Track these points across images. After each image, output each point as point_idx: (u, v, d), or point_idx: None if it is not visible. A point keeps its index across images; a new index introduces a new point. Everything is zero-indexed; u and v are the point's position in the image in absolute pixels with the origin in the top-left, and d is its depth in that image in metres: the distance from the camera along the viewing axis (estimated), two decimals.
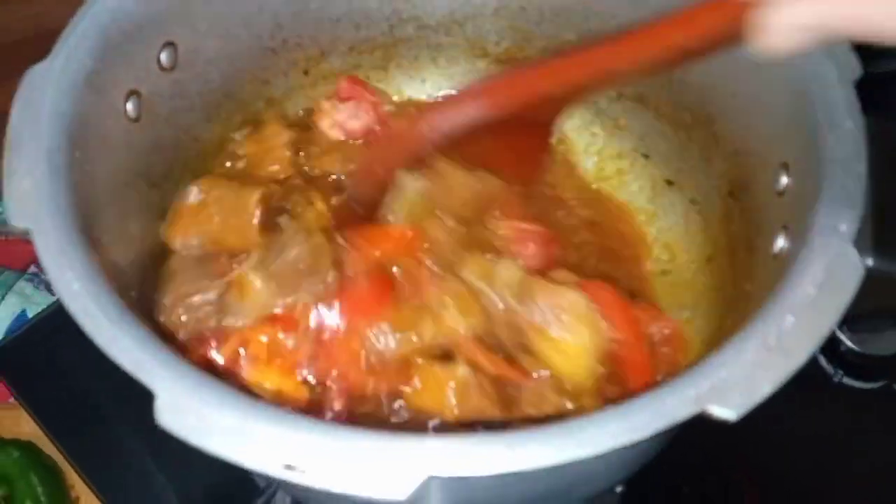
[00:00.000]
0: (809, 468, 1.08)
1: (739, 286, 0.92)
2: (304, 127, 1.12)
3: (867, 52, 1.07)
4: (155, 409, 0.59)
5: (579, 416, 0.60)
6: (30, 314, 1.28)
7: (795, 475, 1.07)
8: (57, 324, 1.18)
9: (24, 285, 1.32)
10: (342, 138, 1.10)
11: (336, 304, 0.83)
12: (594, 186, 1.17)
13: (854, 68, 0.80)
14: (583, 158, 1.18)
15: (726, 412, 0.61)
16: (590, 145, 1.19)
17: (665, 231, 1.11)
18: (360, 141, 1.09)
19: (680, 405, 0.61)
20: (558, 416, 0.83)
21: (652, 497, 1.06)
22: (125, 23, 0.85)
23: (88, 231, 0.74)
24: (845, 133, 0.75)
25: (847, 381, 1.16)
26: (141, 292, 0.85)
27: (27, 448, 1.15)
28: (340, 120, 1.09)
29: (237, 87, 1.07)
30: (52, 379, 1.15)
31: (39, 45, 0.83)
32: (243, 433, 0.58)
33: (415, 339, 0.83)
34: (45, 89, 0.78)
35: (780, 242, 0.81)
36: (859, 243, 0.70)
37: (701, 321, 0.97)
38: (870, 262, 0.74)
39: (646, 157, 1.13)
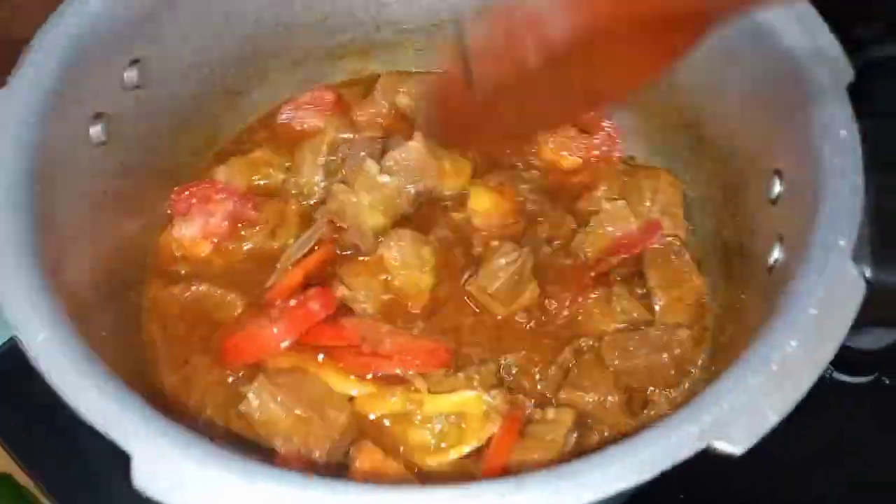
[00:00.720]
0: (800, 462, 1.07)
1: (734, 295, 0.90)
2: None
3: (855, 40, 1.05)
4: (131, 470, 0.56)
5: (579, 458, 0.58)
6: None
7: (786, 469, 1.06)
8: None
9: None
10: (213, 243, 1.00)
11: None
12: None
13: (846, 72, 0.77)
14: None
15: (731, 447, 0.59)
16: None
17: None
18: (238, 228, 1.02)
19: (684, 443, 0.58)
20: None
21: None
22: (89, 42, 0.81)
23: (54, 270, 0.70)
24: (840, 142, 0.73)
25: (837, 375, 1.14)
26: (113, 329, 0.82)
27: (2, 480, 1.11)
28: (194, 233, 1.00)
29: (207, 100, 1.03)
30: (25, 408, 1.11)
31: (4, 54, 0.79)
32: (227, 494, 0.55)
33: None
34: (6, 118, 0.74)
35: (776, 253, 0.79)
36: (857, 253, 0.68)
37: (697, 328, 0.95)
38: (868, 273, 0.72)
39: (631, 157, 1.10)
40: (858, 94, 0.77)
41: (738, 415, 0.60)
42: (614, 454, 0.58)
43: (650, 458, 0.57)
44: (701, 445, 0.58)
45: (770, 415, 0.60)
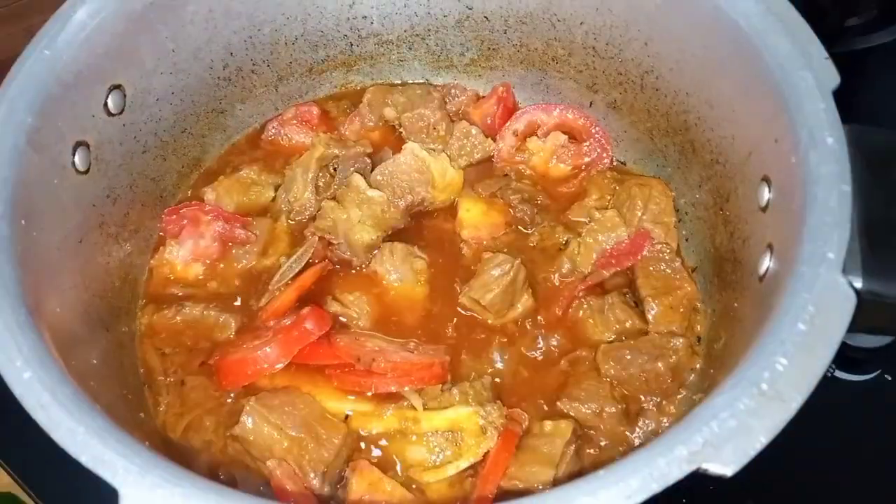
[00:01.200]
0: (804, 460, 1.06)
1: (728, 302, 0.89)
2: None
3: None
4: None
5: (567, 484, 0.57)
6: None
7: (789, 467, 1.06)
8: None
9: None
10: (205, 264, 1.01)
11: None
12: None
13: (832, 77, 0.76)
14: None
15: (721, 469, 0.58)
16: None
17: None
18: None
19: (674, 465, 0.58)
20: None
21: None
22: (65, 72, 0.81)
23: (39, 304, 0.70)
24: (827, 150, 0.72)
25: (839, 374, 1.14)
26: (104, 357, 0.81)
27: (7, 499, 1.11)
28: (186, 255, 1.00)
29: (191, 120, 1.02)
30: (23, 426, 1.11)
31: None
32: None
33: None
34: None
35: (766, 262, 0.78)
36: (847, 262, 0.67)
37: (692, 336, 0.95)
38: (858, 283, 0.71)
39: (622, 164, 1.09)
40: (849, 89, 0.76)
41: (728, 436, 0.59)
42: (604, 479, 0.57)
43: (641, 482, 0.57)
44: (691, 468, 0.58)
45: (760, 436, 0.59)
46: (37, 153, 0.76)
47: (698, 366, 0.93)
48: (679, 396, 0.91)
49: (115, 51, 0.86)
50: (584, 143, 1.08)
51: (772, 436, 0.59)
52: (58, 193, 0.80)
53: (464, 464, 0.86)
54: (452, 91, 1.14)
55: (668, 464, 0.58)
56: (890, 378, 1.14)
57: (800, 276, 0.66)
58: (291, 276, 0.97)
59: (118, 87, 0.88)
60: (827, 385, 1.10)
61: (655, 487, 0.57)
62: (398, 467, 0.87)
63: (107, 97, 0.87)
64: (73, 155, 0.82)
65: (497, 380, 0.93)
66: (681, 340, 0.92)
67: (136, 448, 0.60)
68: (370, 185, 1.01)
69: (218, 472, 0.86)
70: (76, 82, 0.82)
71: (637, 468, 0.58)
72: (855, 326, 0.66)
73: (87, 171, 0.85)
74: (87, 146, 0.84)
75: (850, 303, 0.65)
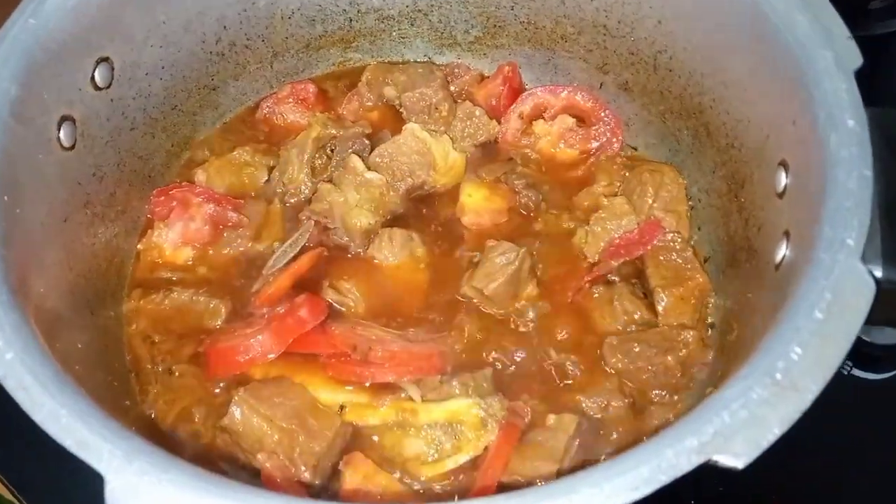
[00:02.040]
0: (820, 459, 1.04)
1: (741, 293, 0.86)
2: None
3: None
4: (105, 494, 0.53)
5: (572, 475, 0.55)
6: None
7: (806, 466, 1.03)
8: None
9: None
10: (195, 248, 0.97)
11: None
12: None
13: (854, 57, 0.73)
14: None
15: (732, 461, 0.55)
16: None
17: None
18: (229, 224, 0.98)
19: (683, 456, 0.55)
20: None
21: None
22: (51, 42, 0.77)
23: (23, 283, 0.67)
24: (848, 132, 0.68)
25: (857, 372, 1.11)
26: (90, 341, 0.79)
27: None
28: (175, 239, 0.97)
29: (182, 97, 0.99)
30: (5, 425, 1.09)
31: None
32: None
33: None
34: None
35: (783, 250, 0.75)
36: (866, 249, 0.64)
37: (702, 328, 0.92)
38: (878, 272, 0.68)
39: (633, 149, 1.06)
40: (869, 73, 0.73)
41: (739, 427, 0.56)
42: (611, 470, 0.54)
43: (649, 473, 0.54)
44: (700, 459, 0.55)
45: (773, 427, 0.56)
46: (21, 125, 0.74)
47: (709, 359, 0.89)
48: (688, 391, 0.88)
49: (103, 21, 0.83)
50: (593, 127, 1.05)
51: (786, 427, 0.56)
52: (42, 169, 0.77)
53: (463, 458, 0.83)
54: (456, 70, 1.11)
55: (676, 455, 0.55)
56: None
57: (817, 262, 0.63)
58: (286, 261, 0.94)
59: (106, 59, 0.85)
60: (844, 383, 1.08)
61: (664, 479, 0.54)
62: (394, 461, 0.84)
63: (94, 70, 0.84)
64: (59, 129, 0.80)
65: (498, 366, 0.90)
66: (691, 333, 0.89)
67: (122, 433, 0.57)
68: (368, 168, 0.98)
69: (207, 462, 0.83)
70: (62, 53, 0.79)
71: (645, 459, 0.55)
72: (874, 318, 0.63)
73: (72, 147, 0.82)
74: (73, 121, 0.81)
75: (869, 291, 0.62)
